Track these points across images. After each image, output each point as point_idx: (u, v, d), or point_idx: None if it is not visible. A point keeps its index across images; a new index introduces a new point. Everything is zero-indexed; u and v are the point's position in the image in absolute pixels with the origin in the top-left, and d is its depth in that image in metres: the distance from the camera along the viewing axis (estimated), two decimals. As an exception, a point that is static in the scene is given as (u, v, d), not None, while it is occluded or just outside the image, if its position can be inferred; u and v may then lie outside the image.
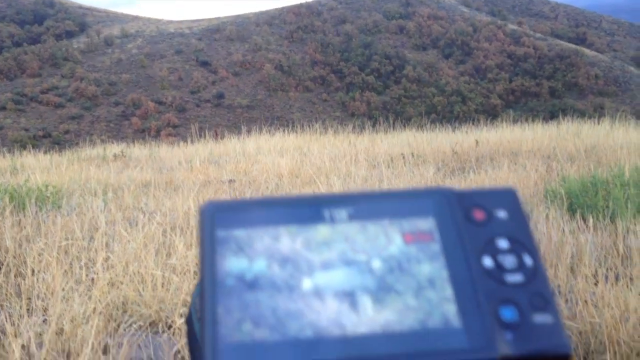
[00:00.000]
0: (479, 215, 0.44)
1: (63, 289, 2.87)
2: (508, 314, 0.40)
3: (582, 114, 16.13)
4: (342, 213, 0.44)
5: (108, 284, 2.94)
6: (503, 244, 0.43)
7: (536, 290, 0.40)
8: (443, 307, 0.40)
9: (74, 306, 2.69)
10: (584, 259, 3.70)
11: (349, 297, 0.40)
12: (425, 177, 7.10)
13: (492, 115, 19.07)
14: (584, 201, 5.07)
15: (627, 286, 3.25)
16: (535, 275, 0.41)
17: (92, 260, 3.30)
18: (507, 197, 0.46)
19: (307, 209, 0.44)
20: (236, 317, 0.39)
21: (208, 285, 0.40)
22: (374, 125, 14.08)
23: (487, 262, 0.42)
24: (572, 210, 4.99)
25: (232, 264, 0.41)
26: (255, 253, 0.42)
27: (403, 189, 0.46)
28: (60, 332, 2.60)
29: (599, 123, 13.15)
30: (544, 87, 26.65)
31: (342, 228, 0.43)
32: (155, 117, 25.59)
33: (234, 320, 0.39)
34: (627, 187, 5.29)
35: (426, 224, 0.44)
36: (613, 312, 2.88)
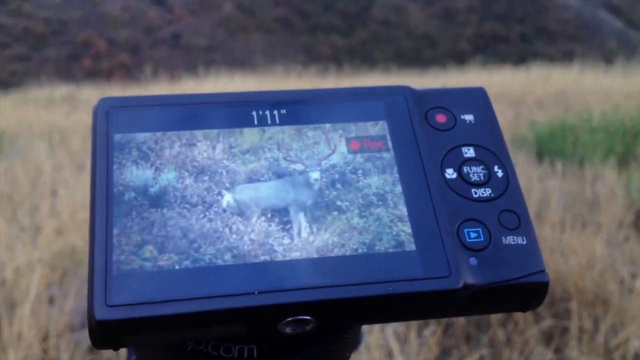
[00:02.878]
0: (441, 118, 0.38)
1: (6, 237, 2.72)
2: (473, 235, 0.34)
3: (552, 59, 16.14)
4: (274, 115, 0.36)
5: (54, 232, 2.79)
6: (469, 152, 0.37)
7: (507, 207, 0.35)
8: (394, 228, 0.33)
9: (17, 255, 2.55)
10: (551, 206, 3.65)
11: (280, 215, 0.33)
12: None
13: (460, 59, 18.98)
14: (552, 147, 5.03)
15: (594, 233, 3.21)
16: (507, 189, 0.36)
17: (36, 207, 3.14)
18: (476, 98, 0.39)
19: (230, 110, 0.36)
20: (135, 239, 0.32)
21: (100, 201, 0.32)
22: (339, 70, 13.92)
23: (450, 173, 0.36)
24: (540, 156, 4.94)
25: (133, 174, 0.33)
26: (163, 162, 0.34)
27: (350, 88, 0.38)
28: (3, 282, 2.47)
29: (568, 68, 13.16)
30: (514, 31, 26.46)
31: (274, 133, 0.36)
32: (107, 57, 24.86)
33: (132, 243, 0.31)
34: (596, 132, 5.26)
35: (377, 128, 0.37)
36: (579, 260, 2.83)
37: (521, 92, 9.67)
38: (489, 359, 2.28)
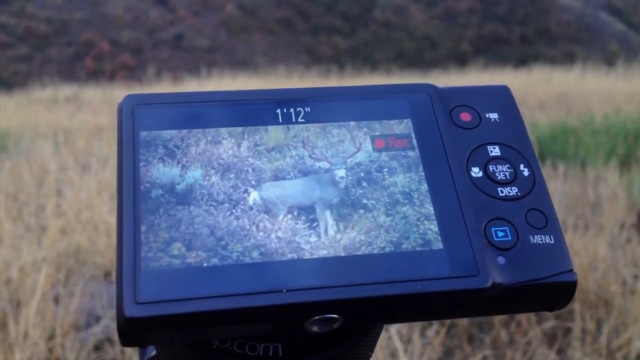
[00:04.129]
0: (465, 117, 0.37)
1: (11, 237, 2.73)
2: (500, 234, 0.34)
3: (553, 61, 16.14)
4: (299, 112, 0.36)
5: (59, 232, 2.80)
6: (495, 151, 0.36)
7: (534, 206, 0.35)
8: (421, 226, 0.33)
9: (23, 254, 2.56)
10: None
11: (306, 213, 0.33)
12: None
13: (462, 61, 18.98)
14: (554, 149, 5.03)
15: (596, 235, 3.22)
16: (533, 188, 0.35)
17: (42, 207, 3.15)
18: (500, 97, 0.38)
19: (256, 107, 0.36)
20: (163, 236, 0.31)
21: (128, 199, 0.32)
22: (341, 71, 13.91)
23: (475, 172, 0.35)
24: (542, 158, 4.95)
25: (160, 172, 0.33)
26: (189, 159, 0.34)
27: (375, 85, 0.38)
28: (8, 281, 2.48)
29: (570, 70, 13.16)
30: (515, 33, 26.45)
31: (300, 131, 0.36)
32: (109, 58, 24.78)
33: (160, 240, 0.31)
34: (597, 134, 5.26)
35: (401, 127, 0.37)
36: (582, 261, 2.84)
37: (522, 94, 9.65)
38: (491, 359, 2.29)
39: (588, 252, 2.93)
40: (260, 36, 26.83)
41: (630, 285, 2.68)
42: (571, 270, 0.33)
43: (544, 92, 9.83)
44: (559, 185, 4.11)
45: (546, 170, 4.46)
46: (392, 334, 2.12)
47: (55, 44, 26.07)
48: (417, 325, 2.37)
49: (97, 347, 2.15)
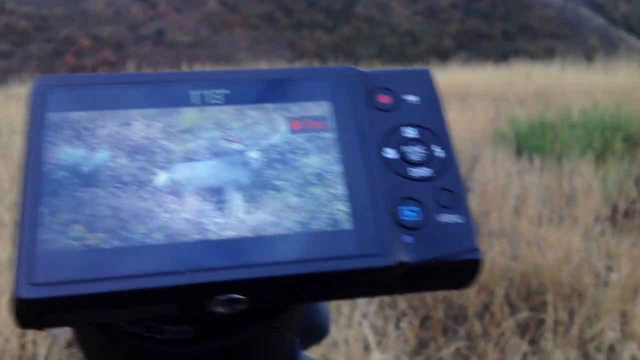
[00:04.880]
0: (384, 99, 0.37)
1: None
2: (409, 213, 0.33)
3: (533, 56, 16.24)
4: (215, 95, 0.35)
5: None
6: (410, 132, 0.36)
7: (445, 186, 0.34)
8: (332, 207, 0.33)
9: (-4, 251, 2.54)
10: (529, 201, 3.69)
11: (215, 194, 0.32)
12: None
13: (444, 56, 19.04)
14: (531, 143, 5.07)
15: (571, 227, 3.25)
16: (446, 169, 0.35)
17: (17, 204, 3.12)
18: (420, 80, 0.38)
19: (170, 89, 0.35)
20: (64, 218, 0.30)
21: (29, 180, 0.31)
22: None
23: (389, 153, 0.35)
24: (519, 152, 4.98)
25: (65, 154, 0.32)
26: (98, 141, 0.33)
27: (295, 68, 0.38)
28: (-19, 279, 2.45)
29: (550, 65, 13.25)
30: (497, 28, 26.58)
31: (215, 113, 0.35)
32: (90, 54, 24.55)
33: (60, 222, 0.30)
34: (575, 128, 5.31)
35: (319, 109, 0.36)
36: (556, 253, 2.87)
37: (503, 89, 9.72)
38: (465, 351, 2.31)
39: (562, 244, 2.96)
40: (243, 31, 26.74)
41: (603, 276, 2.71)
42: (476, 249, 0.33)
43: (523, 87, 9.89)
44: (536, 179, 4.15)
45: (523, 164, 4.49)
46: (365, 327, 2.12)
47: (35, 40, 25.81)
48: (391, 317, 2.39)
49: (69, 344, 2.14)
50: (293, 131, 0.35)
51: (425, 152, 0.35)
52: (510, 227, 3.32)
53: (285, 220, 0.32)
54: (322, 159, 0.34)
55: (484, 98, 8.76)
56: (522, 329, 2.43)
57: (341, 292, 0.33)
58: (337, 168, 0.34)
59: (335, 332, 2.14)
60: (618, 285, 2.57)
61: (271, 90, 0.36)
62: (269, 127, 0.35)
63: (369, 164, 0.34)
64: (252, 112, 0.35)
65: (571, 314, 2.49)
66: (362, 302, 2.41)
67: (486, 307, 2.55)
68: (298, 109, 0.36)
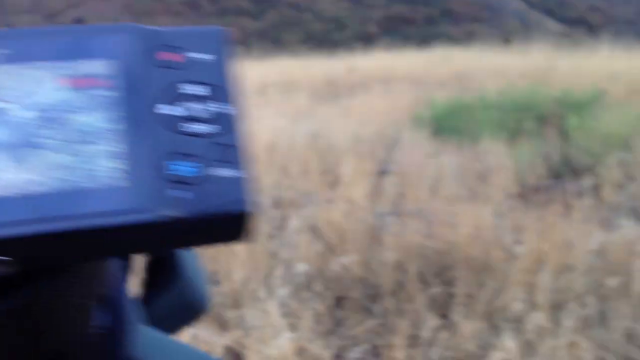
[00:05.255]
0: (166, 56, 0.36)
1: None
2: (182, 168, 0.34)
3: (455, 40, 16.58)
4: None
5: None
6: (190, 89, 0.36)
7: (224, 142, 0.35)
8: (102, 164, 0.32)
9: None
10: (444, 180, 3.78)
11: None
12: (297, 105, 7.04)
13: (369, 42, 19.21)
14: (448, 124, 5.19)
15: (483, 204, 3.36)
16: (226, 126, 0.35)
17: None
18: (211, 39, 0.38)
19: None
20: None
21: None
22: (247, 53, 13.79)
23: (169, 110, 0.35)
24: (437, 133, 5.09)
25: None
26: None
27: (74, 26, 0.37)
28: None
29: (470, 49, 13.56)
30: (420, 13, 27.05)
31: None
32: (5, 45, 23.67)
33: None
34: (490, 109, 5.46)
35: (99, 67, 0.35)
36: (468, 230, 2.96)
37: (424, 73, 9.90)
38: (379, 328, 2.35)
39: (474, 221, 3.05)
40: (166, 19, 26.20)
41: (512, 250, 2.81)
42: (244, 201, 0.33)
43: (444, 70, 10.10)
44: (451, 159, 4.26)
45: (440, 145, 4.60)
46: (273, 312, 2.14)
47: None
48: (306, 300, 2.41)
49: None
50: (69, 89, 0.34)
51: (205, 108, 0.35)
52: (426, 206, 3.40)
53: (53, 178, 0.32)
54: (95, 117, 0.34)
55: (406, 82, 8.89)
56: (435, 304, 2.50)
57: (114, 248, 0.33)
58: (110, 126, 0.34)
59: (249, 316, 2.15)
60: (524, 257, 2.67)
61: (51, 49, 0.35)
62: (43, 85, 0.34)
63: (142, 121, 0.34)
64: (29, 71, 0.34)
65: (481, 287, 2.57)
66: (276, 284, 2.42)
67: (400, 284, 2.61)
68: (76, 66, 0.35)
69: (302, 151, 4.52)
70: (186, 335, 1.91)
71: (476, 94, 6.56)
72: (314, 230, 3.03)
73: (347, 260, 2.72)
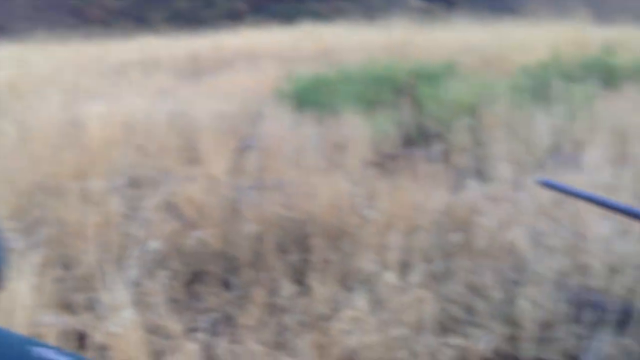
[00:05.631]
0: None
1: None
2: None
3: (321, 17, 16.76)
4: None
5: None
6: None
7: None
8: None
9: None
10: (305, 152, 3.85)
11: None
12: (160, 84, 6.88)
13: (237, 19, 18.99)
14: (310, 98, 5.26)
15: (341, 174, 3.45)
16: None
17: None
18: None
19: None
20: None
21: None
22: (109, 32, 13.26)
23: None
24: (300, 107, 5.14)
25: None
26: None
27: None
28: None
29: (337, 25, 13.78)
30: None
31: None
32: None
33: None
34: (350, 83, 5.59)
35: None
36: (327, 199, 3.03)
37: (291, 50, 9.96)
38: (238, 299, 2.37)
39: (332, 190, 3.13)
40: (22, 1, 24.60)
41: (365, 216, 2.91)
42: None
43: (310, 46, 10.20)
44: (313, 131, 4.33)
45: (302, 118, 4.65)
46: (123, 292, 2.10)
47: None
48: (162, 278, 2.38)
49: None
50: None
51: None
52: (287, 178, 3.45)
53: None
54: None
55: (273, 59, 8.90)
56: (292, 272, 2.55)
57: None
58: None
59: (98, 298, 2.10)
60: (376, 221, 2.78)
61: None
62: None
63: None
64: None
65: (337, 252, 2.65)
66: (130, 264, 2.38)
67: (259, 255, 2.64)
68: None
69: (162, 130, 4.43)
70: (26, 320, 1.84)
71: (338, 68, 6.68)
72: (171, 208, 3.00)
73: (205, 235, 2.72)
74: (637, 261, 2.37)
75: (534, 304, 2.15)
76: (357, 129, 4.28)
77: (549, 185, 1.59)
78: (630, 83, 5.52)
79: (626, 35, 8.76)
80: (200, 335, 2.04)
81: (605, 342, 1.99)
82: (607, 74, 5.92)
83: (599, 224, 2.58)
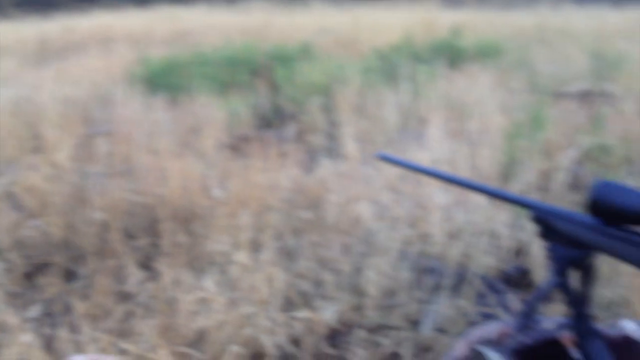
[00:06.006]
0: None
1: None
2: None
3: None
4: None
5: None
6: None
7: None
8: None
9: None
10: (158, 136, 3.76)
11: None
12: (4, 70, 6.45)
13: (90, 2, 18.14)
14: (164, 81, 5.14)
15: (195, 156, 3.40)
16: None
17: None
18: None
19: None
20: None
21: None
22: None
23: None
24: (153, 91, 5.02)
25: None
26: None
27: None
28: None
29: (194, 7, 13.53)
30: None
31: None
32: None
33: None
34: (206, 65, 5.52)
35: None
36: (179, 182, 2.98)
37: (146, 32, 9.66)
38: (81, 289, 2.28)
39: (185, 173, 3.08)
40: None
41: (218, 198, 2.89)
42: None
43: (167, 29, 9.95)
44: (166, 115, 4.24)
45: (155, 102, 4.54)
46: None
47: None
48: (-2, 271, 2.25)
49: None
50: None
51: None
52: (137, 163, 3.35)
53: None
54: None
55: (127, 41, 8.60)
56: (141, 259, 2.50)
57: None
58: None
59: None
60: (228, 203, 2.77)
61: None
62: None
63: None
64: None
65: (189, 236, 2.62)
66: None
67: (107, 243, 2.55)
68: None
69: (3, 118, 4.15)
70: None
71: (195, 50, 6.57)
72: (10, 198, 2.83)
73: (46, 225, 2.59)
74: (471, 228, 2.53)
75: (378, 273, 2.24)
76: (212, 112, 4.24)
77: (386, 159, 1.66)
78: (472, 63, 5.86)
79: (473, 18, 9.29)
80: (38, 327, 1.95)
81: (443, 304, 2.11)
82: (453, 55, 6.24)
83: (439, 195, 2.73)
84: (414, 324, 2.05)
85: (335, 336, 1.99)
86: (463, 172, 3.03)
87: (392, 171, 3.02)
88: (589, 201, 1.23)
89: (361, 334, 1.98)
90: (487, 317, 2.04)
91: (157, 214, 2.80)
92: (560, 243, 1.33)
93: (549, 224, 1.34)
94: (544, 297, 1.35)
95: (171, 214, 2.77)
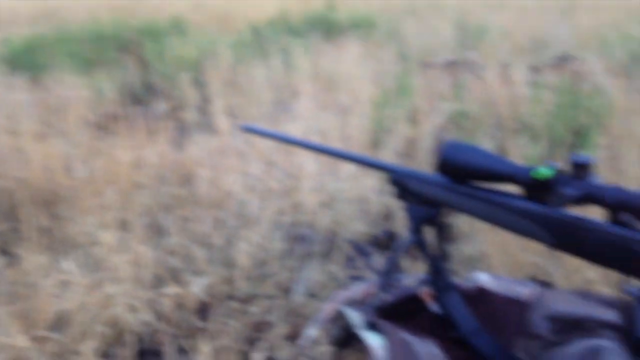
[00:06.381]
0: None
1: None
2: None
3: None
4: None
5: None
6: None
7: None
8: None
9: None
10: (18, 118, 3.55)
11: None
12: None
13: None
14: (26, 61, 4.86)
15: (59, 137, 3.25)
16: None
17: None
18: None
19: None
20: None
21: None
22: None
23: None
24: (13, 71, 4.73)
25: None
26: None
27: None
28: None
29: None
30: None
31: None
32: None
33: None
34: (70, 43, 5.27)
35: None
36: (39, 165, 2.83)
37: (6, 11, 9.08)
38: None
39: (49, 155, 2.93)
40: None
41: (82, 178, 2.77)
42: None
43: (30, 7, 9.38)
44: (28, 96, 4.01)
45: (17, 83, 4.29)
46: None
47: None
48: None
49: None
50: None
51: None
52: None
53: None
54: None
55: None
56: (1, 244, 2.36)
57: None
58: None
59: None
60: (94, 183, 2.67)
61: None
62: None
63: None
64: None
65: (52, 218, 2.51)
66: None
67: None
68: None
69: None
70: None
71: (60, 28, 6.25)
72: None
73: None
74: (342, 196, 2.57)
75: (250, 245, 2.23)
76: (78, 90, 4.05)
77: (252, 131, 1.65)
78: (347, 35, 5.94)
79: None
80: None
81: (314, 270, 2.14)
82: (328, 28, 6.30)
83: (310, 165, 2.75)
84: (286, 291, 2.06)
85: (206, 309, 1.97)
86: (334, 141, 3.08)
87: (265, 144, 3.02)
88: (438, 161, 1.28)
89: (232, 305, 1.97)
90: (356, 279, 2.09)
91: (16, 198, 2.65)
92: (415, 203, 1.38)
93: (404, 186, 1.39)
94: (402, 254, 1.40)
95: (32, 197, 2.63)
